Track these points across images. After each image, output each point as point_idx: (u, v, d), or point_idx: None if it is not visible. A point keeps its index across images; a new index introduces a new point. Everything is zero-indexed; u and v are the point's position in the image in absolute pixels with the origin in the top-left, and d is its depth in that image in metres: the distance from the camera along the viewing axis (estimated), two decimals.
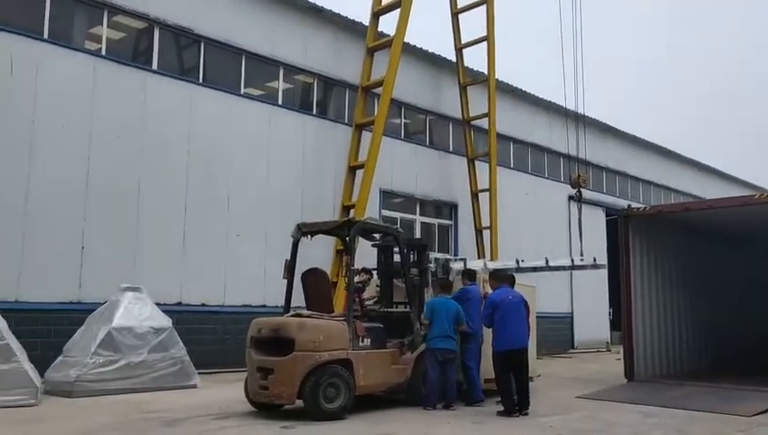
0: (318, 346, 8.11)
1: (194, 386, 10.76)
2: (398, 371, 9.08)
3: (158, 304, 11.27)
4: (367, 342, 8.73)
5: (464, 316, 9.26)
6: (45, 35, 12.06)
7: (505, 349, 8.63)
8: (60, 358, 10.33)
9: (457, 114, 19.39)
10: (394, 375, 9.04)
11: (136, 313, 10.60)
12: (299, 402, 8.16)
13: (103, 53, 12.88)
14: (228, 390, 10.07)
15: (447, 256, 13.87)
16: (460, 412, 8.90)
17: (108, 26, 13.07)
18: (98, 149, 12.35)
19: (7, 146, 11.36)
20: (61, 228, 11.75)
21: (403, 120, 18.79)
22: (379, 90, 16.19)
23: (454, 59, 19.43)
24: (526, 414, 8.58)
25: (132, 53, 13.87)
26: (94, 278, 11.94)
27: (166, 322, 10.92)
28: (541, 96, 22.30)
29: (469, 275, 10.19)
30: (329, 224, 10.08)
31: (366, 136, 16.09)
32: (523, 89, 21.78)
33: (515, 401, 8.67)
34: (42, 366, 9.91)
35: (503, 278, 9.40)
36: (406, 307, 9.58)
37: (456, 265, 11.19)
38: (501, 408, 8.76)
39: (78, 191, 12.05)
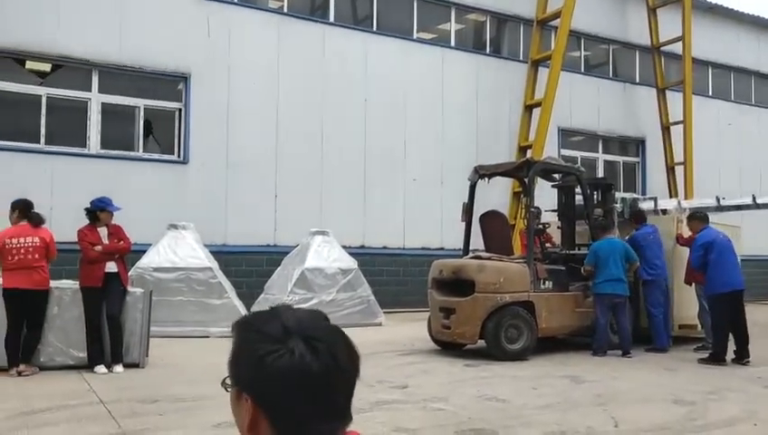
0: (498, 288, 8.10)
1: (379, 324, 11.35)
2: (582, 314, 8.80)
3: (343, 247, 11.94)
4: (548, 284, 8.54)
5: (634, 253, 8.67)
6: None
7: (727, 290, 7.96)
8: (262, 295, 11.41)
9: (645, 41, 17.74)
10: (577, 319, 8.79)
11: (325, 255, 11.32)
12: (481, 342, 8.27)
13: (285, 9, 13.56)
14: (411, 328, 10.48)
15: (635, 196, 12.94)
16: (646, 358, 8.44)
17: None
18: (284, 104, 13.17)
19: (212, 103, 12.50)
20: (257, 179, 12.80)
21: (583, 52, 17.62)
22: (555, 22, 15.29)
23: None
24: (747, 363, 7.90)
25: (310, 7, 14.43)
26: (287, 223, 12.94)
27: (352, 263, 11.55)
28: (746, 11, 19.61)
29: (637, 216, 9.43)
30: (506, 165, 9.89)
31: (542, 72, 15.38)
32: (724, 5, 19.28)
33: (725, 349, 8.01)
34: (247, 301, 11.02)
35: (705, 219, 8.60)
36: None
37: (646, 205, 10.43)
38: (703, 355, 8.16)
39: (269, 145, 12.99)
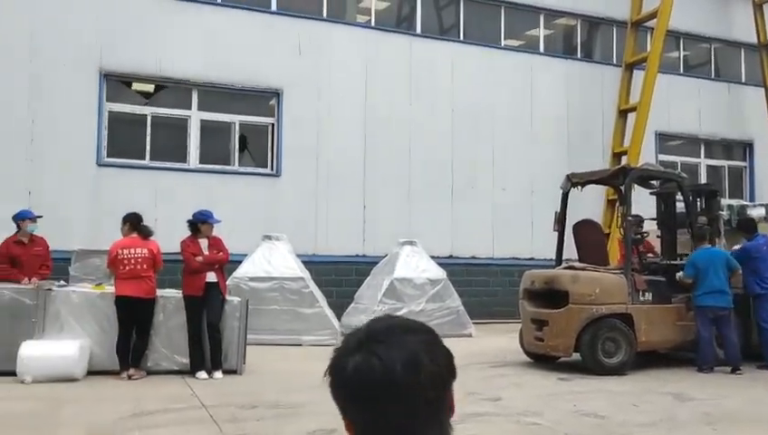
0: (594, 299, 7.83)
1: (469, 335, 11.22)
2: (685, 328, 8.33)
3: (431, 257, 11.92)
4: (648, 296, 8.17)
5: (735, 261, 8.11)
6: (325, 15, 13.31)
7: None
8: (352, 305, 11.57)
9: (751, 39, 16.71)
10: (680, 332, 8.34)
11: (413, 265, 11.34)
12: (576, 355, 8.01)
13: (372, 23, 13.80)
14: (502, 339, 10.29)
15: (743, 203, 12.16)
16: (758, 376, 7.88)
17: None
18: (373, 116, 13.35)
19: (304, 118, 12.88)
20: (346, 191, 13.03)
21: (681, 53, 16.82)
22: (651, 23, 14.69)
23: None
24: None
25: (396, 19, 14.60)
26: (375, 234, 13.08)
27: (440, 273, 11.51)
28: None
29: (746, 225, 8.79)
30: (601, 173, 9.58)
31: (637, 75, 14.80)
32: None
33: None
34: (337, 311, 11.19)
35: None
36: None
37: (756, 212, 9.78)
38: None
39: (358, 157, 13.20)
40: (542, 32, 15.26)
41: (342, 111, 13.14)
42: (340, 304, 11.61)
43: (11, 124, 10.91)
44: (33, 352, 6.83)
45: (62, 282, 8.02)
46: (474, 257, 13.98)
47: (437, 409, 1.08)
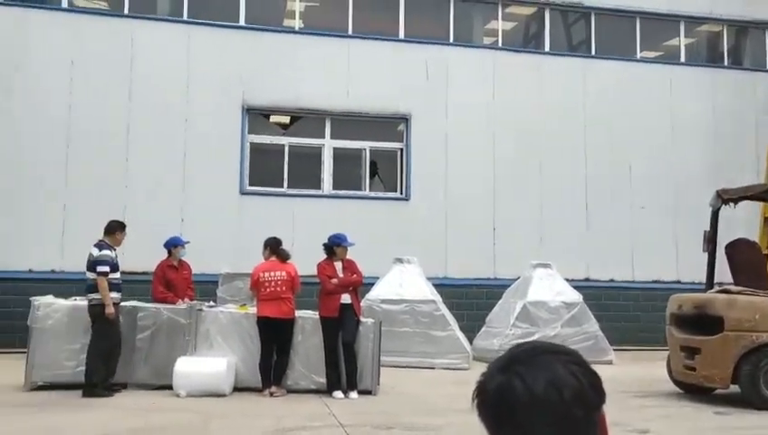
0: (754, 326, 7.13)
1: (609, 362, 10.63)
2: None
3: (566, 280, 11.47)
4: None
5: None
6: (451, 39, 13.44)
7: None
8: (484, 328, 11.38)
9: None
10: None
11: (547, 287, 10.98)
12: (734, 387, 7.32)
13: (500, 44, 13.73)
14: (646, 368, 9.66)
15: None
16: None
17: (502, 19, 13.87)
18: (501, 137, 13.20)
19: (432, 142, 13.00)
20: (475, 213, 12.93)
21: None
22: None
23: None
24: None
25: (523, 38, 14.42)
26: (506, 256, 12.82)
27: (576, 297, 11.05)
28: None
29: None
30: (757, 188, 8.78)
31: None
32: None
33: None
34: (468, 334, 11.03)
35: None
36: None
37: None
38: None
39: (487, 178, 13.08)
40: (682, 40, 14.40)
41: (470, 133, 13.11)
42: (471, 328, 11.45)
43: (168, 160, 11.94)
44: (187, 368, 7.34)
45: (211, 303, 8.60)
46: (612, 281, 13.29)
47: (587, 430, 1.04)
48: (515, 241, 12.91)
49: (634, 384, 8.50)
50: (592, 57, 13.92)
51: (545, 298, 10.78)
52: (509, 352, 1.12)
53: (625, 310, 13.13)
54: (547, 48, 13.84)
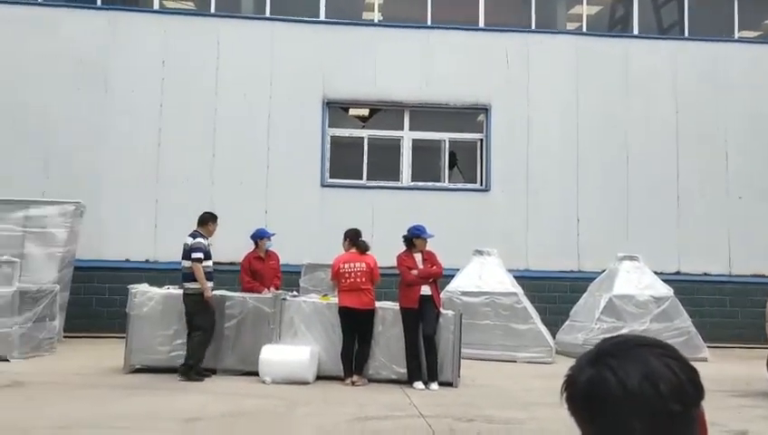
0: None
1: (704, 359, 10.10)
2: None
3: (655, 273, 11.00)
4: None
5: None
6: (532, 26, 13.12)
7: None
8: (567, 322, 11.09)
9: None
10: None
11: (635, 281, 10.57)
12: None
13: (584, 29, 13.27)
14: (744, 366, 9.15)
15: None
16: None
17: (587, 3, 13.40)
18: (585, 126, 12.79)
19: (512, 131, 12.77)
20: (557, 204, 12.61)
21: None
22: None
23: None
24: None
25: (609, 22, 13.88)
26: (590, 248, 12.43)
27: (666, 291, 10.59)
28: None
29: None
30: None
31: None
32: None
33: None
34: (551, 328, 10.76)
35: None
36: None
37: None
38: None
39: (569, 168, 12.71)
40: None
41: (551, 121, 12.78)
42: (554, 322, 11.20)
43: (252, 155, 12.30)
44: (272, 356, 7.56)
45: (294, 292, 8.83)
46: (705, 274, 12.63)
47: (685, 426, 0.99)
48: (600, 232, 12.49)
49: (731, 383, 8.05)
50: (685, 39, 13.24)
51: (632, 292, 10.38)
52: (599, 344, 1.08)
53: (720, 305, 12.48)
54: (635, 31, 13.26)
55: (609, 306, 10.34)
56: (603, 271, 11.17)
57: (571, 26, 13.62)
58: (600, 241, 12.33)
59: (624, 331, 10.12)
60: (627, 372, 0.99)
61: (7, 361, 8.41)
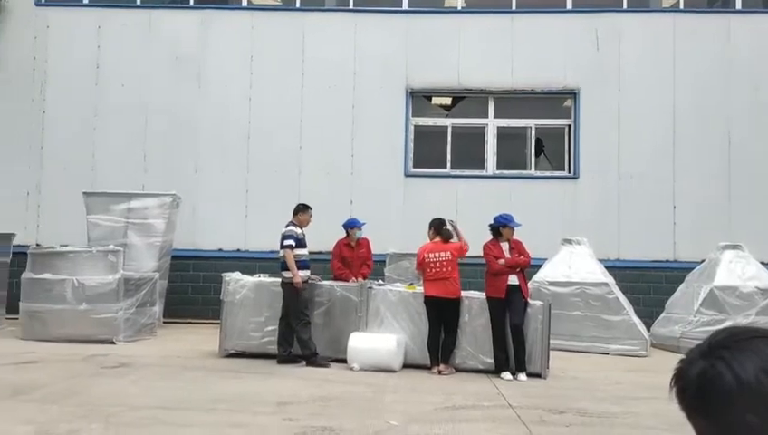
0: None
1: None
2: None
3: (761, 264, 10.32)
4: None
5: None
6: (624, 6, 12.55)
7: None
8: (663, 314, 10.60)
9: None
10: None
11: (738, 272, 9.96)
12: None
13: (681, 6, 12.58)
14: None
15: None
16: None
17: None
18: (681, 105, 12.15)
19: (602, 116, 12.30)
20: (650, 190, 12.06)
21: None
22: None
23: None
24: None
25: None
26: (689, 235, 11.84)
27: None
28: None
29: None
30: None
31: None
32: None
33: None
34: (645, 320, 10.32)
35: None
36: None
37: None
38: None
39: (665, 153, 12.12)
40: None
41: (644, 105, 12.22)
42: (648, 313, 10.76)
43: (337, 145, 12.48)
44: (360, 343, 7.67)
45: (381, 281, 8.91)
46: None
47: None
48: (699, 220, 11.86)
49: None
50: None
51: (736, 283, 9.78)
52: (711, 336, 1.03)
53: None
54: (738, 6, 12.42)
55: (709, 298, 9.79)
56: (702, 261, 10.59)
57: (666, 4, 12.92)
58: (699, 229, 11.71)
59: (726, 324, 9.56)
60: (742, 364, 0.94)
61: (113, 343, 8.98)
